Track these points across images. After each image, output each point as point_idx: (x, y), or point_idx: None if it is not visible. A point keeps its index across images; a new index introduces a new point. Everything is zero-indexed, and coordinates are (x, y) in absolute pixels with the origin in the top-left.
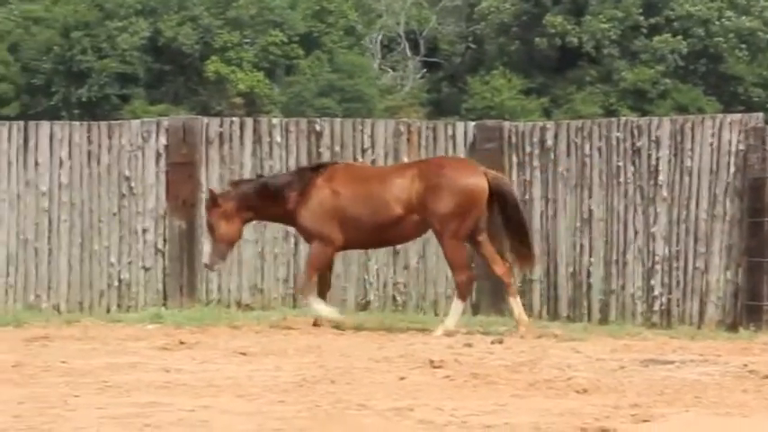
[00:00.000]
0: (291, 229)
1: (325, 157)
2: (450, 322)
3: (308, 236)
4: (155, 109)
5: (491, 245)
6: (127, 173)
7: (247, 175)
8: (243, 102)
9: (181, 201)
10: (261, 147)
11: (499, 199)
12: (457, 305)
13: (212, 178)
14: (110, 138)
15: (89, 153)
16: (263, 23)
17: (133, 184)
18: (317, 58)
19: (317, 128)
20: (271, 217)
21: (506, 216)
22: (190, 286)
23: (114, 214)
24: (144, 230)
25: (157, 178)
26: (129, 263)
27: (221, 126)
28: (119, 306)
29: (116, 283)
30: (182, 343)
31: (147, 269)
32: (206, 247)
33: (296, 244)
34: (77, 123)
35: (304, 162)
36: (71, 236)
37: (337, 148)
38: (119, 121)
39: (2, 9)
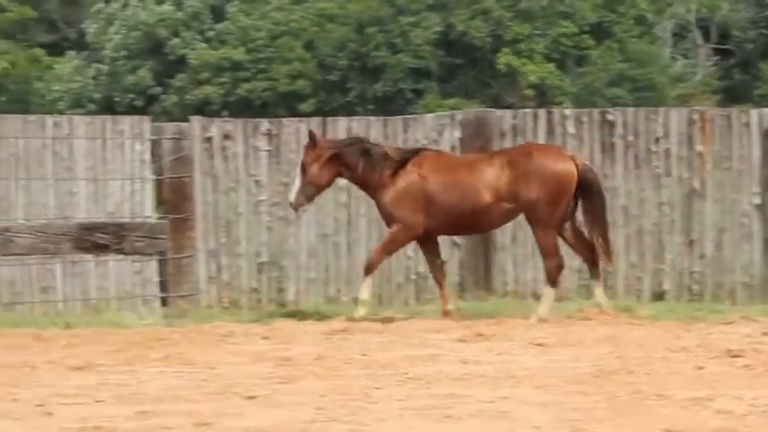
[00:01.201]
0: None
1: (619, 147)
2: (543, 309)
3: (390, 218)
4: (447, 103)
5: (576, 231)
6: None
7: None
8: (534, 94)
9: None
10: (554, 138)
11: (585, 186)
12: (548, 292)
13: None
14: (405, 132)
15: None
16: (554, 15)
17: None
18: (608, 47)
19: (610, 118)
20: (358, 182)
21: (590, 204)
22: (486, 278)
23: None
24: None
25: None
26: None
27: (514, 118)
28: (417, 299)
29: (413, 277)
30: (479, 335)
31: (443, 262)
32: (295, 185)
33: None
34: (373, 118)
35: (598, 153)
36: (369, 230)
37: (630, 138)
38: (413, 116)
39: (297, 7)
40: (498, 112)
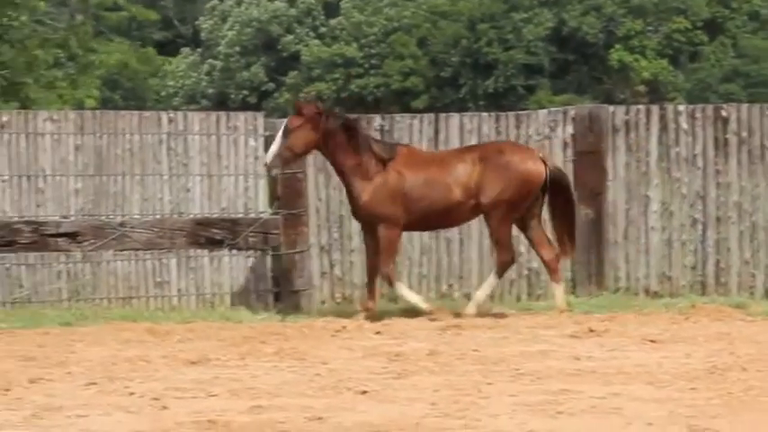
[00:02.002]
0: (699, 216)
1: (732, 143)
2: (481, 295)
3: (373, 216)
4: (559, 99)
5: (541, 230)
6: None
7: (654, 163)
8: (646, 90)
9: (588, 189)
10: (667, 134)
11: (554, 187)
12: (491, 280)
13: (618, 166)
14: (517, 128)
15: None
16: (667, 10)
17: None
18: (721, 43)
19: (724, 114)
20: (336, 162)
21: (557, 205)
22: (598, 274)
23: None
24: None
25: (564, 167)
26: None
27: (627, 114)
28: (528, 295)
29: (525, 273)
30: (591, 331)
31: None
32: (273, 147)
33: (703, 231)
34: (486, 114)
35: (711, 149)
36: (481, 226)
37: (744, 134)
38: (526, 111)
39: (410, 4)
40: (611, 108)
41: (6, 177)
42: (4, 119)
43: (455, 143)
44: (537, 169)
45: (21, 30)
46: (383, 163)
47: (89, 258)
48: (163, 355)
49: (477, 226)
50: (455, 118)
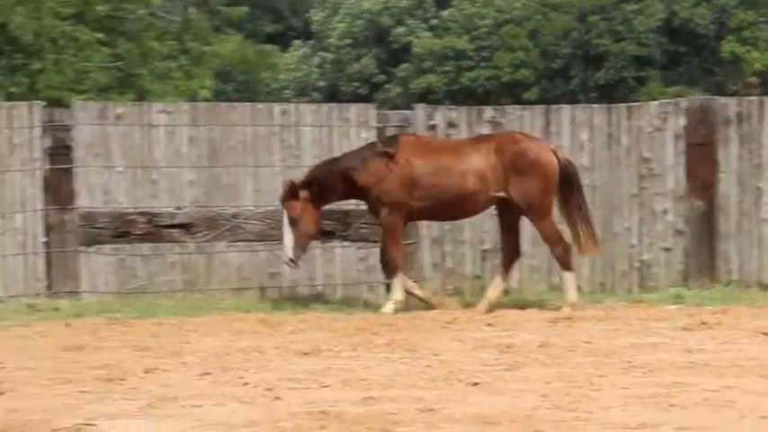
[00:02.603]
0: None
1: None
2: (572, 295)
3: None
4: (670, 90)
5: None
6: (646, 154)
7: (766, 155)
8: (758, 81)
9: (700, 181)
10: None
11: (565, 179)
12: (567, 277)
13: (731, 158)
14: (629, 120)
15: (609, 135)
16: None
17: (653, 165)
18: None
19: None
20: (351, 195)
21: (568, 198)
22: (710, 267)
23: (634, 195)
24: (664, 211)
25: (676, 159)
26: (650, 244)
27: (739, 106)
28: (640, 287)
29: (637, 264)
30: (703, 323)
31: (667, 250)
32: (287, 241)
33: None
34: (597, 106)
35: None
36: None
37: None
38: (637, 103)
39: None
40: (723, 100)
41: (121, 169)
42: (120, 111)
43: (566, 135)
44: (551, 160)
45: (137, 23)
46: (389, 156)
47: (202, 249)
48: (275, 345)
49: None
50: (566, 110)
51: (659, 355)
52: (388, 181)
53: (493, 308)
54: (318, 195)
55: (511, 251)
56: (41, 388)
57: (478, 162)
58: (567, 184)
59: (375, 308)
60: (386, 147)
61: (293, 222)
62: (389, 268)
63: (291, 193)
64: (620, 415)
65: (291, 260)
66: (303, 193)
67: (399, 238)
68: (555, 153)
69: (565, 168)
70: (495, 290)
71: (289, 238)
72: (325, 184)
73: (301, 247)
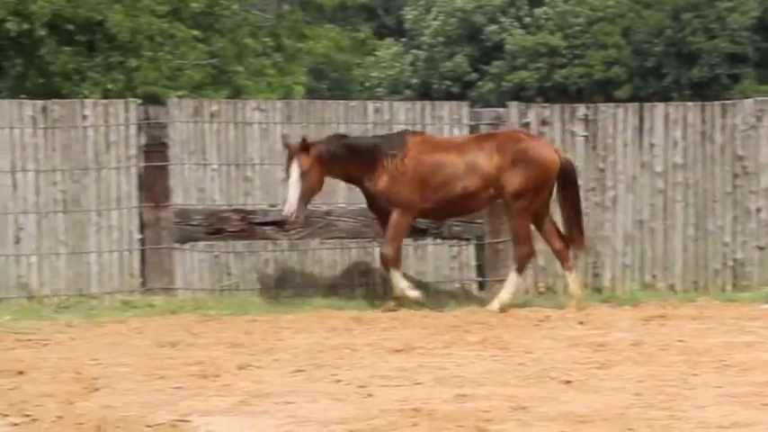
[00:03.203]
0: None
1: None
2: (505, 295)
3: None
4: (764, 88)
5: (552, 221)
6: (740, 152)
7: None
8: None
9: None
10: None
11: (565, 178)
12: (513, 278)
13: None
14: (723, 117)
15: (702, 133)
16: None
17: (747, 164)
18: None
19: None
20: (351, 178)
21: (566, 196)
22: None
23: (728, 193)
24: (758, 209)
25: None
26: (744, 242)
27: None
28: (733, 285)
29: (730, 263)
30: None
31: (761, 248)
32: (291, 195)
33: None
34: (691, 104)
35: None
36: (686, 216)
37: None
38: (732, 101)
39: None
40: None
41: (216, 166)
42: (214, 108)
43: (660, 133)
44: (554, 159)
45: (232, 19)
46: (395, 156)
47: (296, 247)
48: (368, 343)
49: (681, 216)
50: (660, 107)
51: (753, 354)
52: (399, 182)
53: (583, 306)
54: (326, 164)
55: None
56: (136, 384)
57: (482, 160)
58: (567, 182)
59: (468, 305)
60: (393, 147)
61: (303, 176)
62: (383, 262)
63: (304, 147)
64: (713, 414)
65: (292, 216)
66: (315, 151)
67: (402, 237)
68: (557, 152)
69: (565, 167)
70: (574, 283)
71: (294, 192)
72: (334, 158)
73: (304, 203)
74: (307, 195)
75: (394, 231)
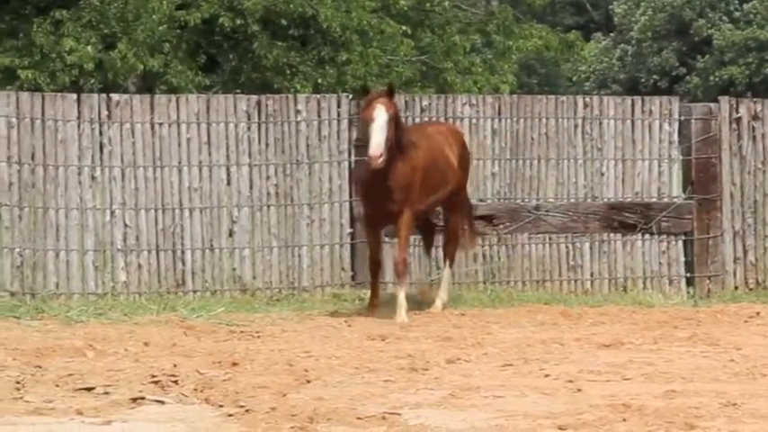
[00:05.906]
0: None
1: None
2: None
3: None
4: None
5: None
6: None
7: None
8: None
9: None
10: None
11: None
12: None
13: None
14: None
15: None
16: None
17: None
18: None
19: None
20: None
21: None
22: None
23: None
24: None
25: None
26: None
27: None
28: None
29: None
30: None
31: None
32: (379, 138)
33: None
34: None
35: None
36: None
37: None
38: None
39: None
40: None
41: None
42: (425, 103)
43: None
44: None
45: (442, 15)
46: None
47: (504, 241)
48: (576, 337)
49: None
50: None
51: None
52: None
53: None
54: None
55: None
56: (347, 377)
57: (450, 152)
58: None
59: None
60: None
61: (390, 121)
62: (396, 271)
63: (392, 93)
64: None
65: (379, 157)
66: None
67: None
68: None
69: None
70: None
71: (381, 135)
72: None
73: (387, 149)
74: (389, 143)
75: (408, 233)
